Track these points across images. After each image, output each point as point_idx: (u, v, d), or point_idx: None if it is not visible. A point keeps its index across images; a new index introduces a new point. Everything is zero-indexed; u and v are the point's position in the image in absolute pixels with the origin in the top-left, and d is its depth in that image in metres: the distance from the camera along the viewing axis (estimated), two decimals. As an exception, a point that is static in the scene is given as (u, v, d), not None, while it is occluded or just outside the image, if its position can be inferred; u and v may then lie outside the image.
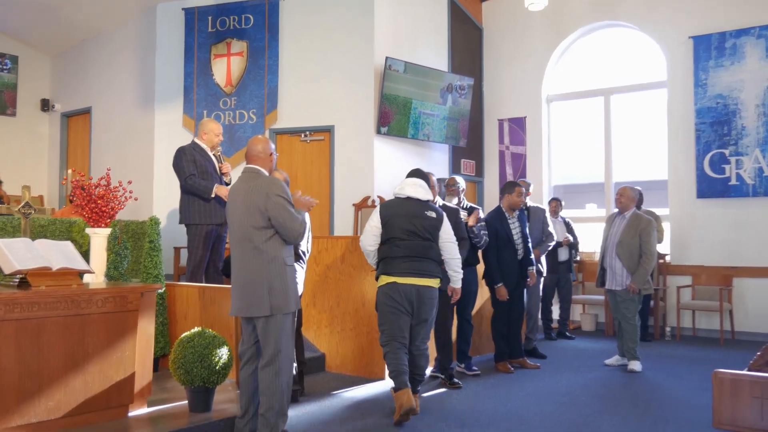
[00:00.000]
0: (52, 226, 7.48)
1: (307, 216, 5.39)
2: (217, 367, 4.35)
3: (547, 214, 7.72)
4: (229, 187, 5.81)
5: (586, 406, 5.16)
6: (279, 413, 4.04)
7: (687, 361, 7.07)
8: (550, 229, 7.57)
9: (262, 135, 4.44)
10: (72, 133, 11.18)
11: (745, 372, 3.69)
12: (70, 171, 10.89)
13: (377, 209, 5.06)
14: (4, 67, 11.00)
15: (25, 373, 3.83)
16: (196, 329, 4.48)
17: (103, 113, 10.37)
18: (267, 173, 4.24)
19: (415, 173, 5.27)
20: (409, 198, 5.03)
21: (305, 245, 5.26)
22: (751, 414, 3.59)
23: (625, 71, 10.10)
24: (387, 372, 6.12)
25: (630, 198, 6.68)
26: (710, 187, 8.97)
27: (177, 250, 8.62)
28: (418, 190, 5.07)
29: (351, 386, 5.86)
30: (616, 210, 6.86)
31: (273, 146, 4.34)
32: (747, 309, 8.65)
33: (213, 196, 6.23)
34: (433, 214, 5.03)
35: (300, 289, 5.18)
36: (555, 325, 8.97)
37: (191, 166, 6.28)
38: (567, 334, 8.76)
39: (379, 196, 8.80)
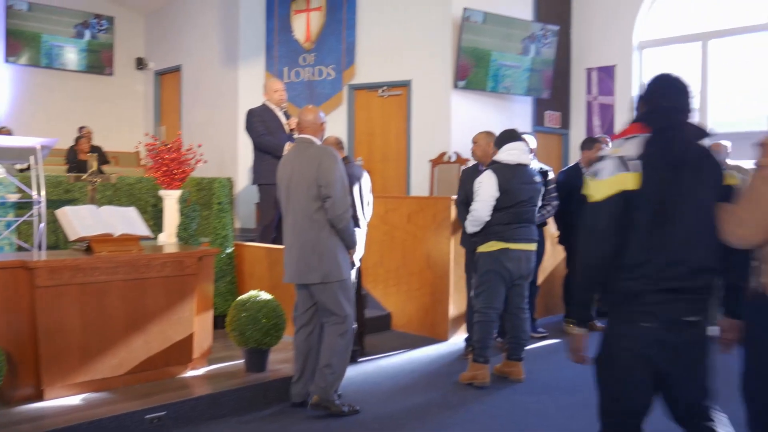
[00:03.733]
0: (139, 184, 7.86)
1: (367, 177, 5.42)
2: (270, 330, 4.51)
3: None
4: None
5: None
6: (337, 373, 4.17)
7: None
8: None
9: (312, 105, 4.49)
10: (165, 90, 11.61)
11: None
12: (163, 128, 11.38)
13: (491, 178, 4.82)
14: (101, 27, 11.49)
15: (89, 333, 4.12)
16: (251, 292, 4.64)
17: (192, 71, 10.68)
18: (319, 142, 4.30)
19: (515, 135, 5.03)
20: (519, 164, 4.90)
21: (364, 209, 5.29)
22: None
23: (726, 13, 9.36)
24: (449, 332, 6.18)
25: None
26: (815, 140, 8.29)
27: (258, 206, 8.87)
28: (526, 154, 4.97)
29: (413, 347, 5.93)
30: None
31: (323, 115, 4.38)
32: None
33: (286, 153, 6.35)
34: (539, 178, 5.07)
35: (360, 253, 5.27)
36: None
37: (261, 125, 6.45)
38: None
39: (456, 152, 8.69)
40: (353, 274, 5.20)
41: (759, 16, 9.00)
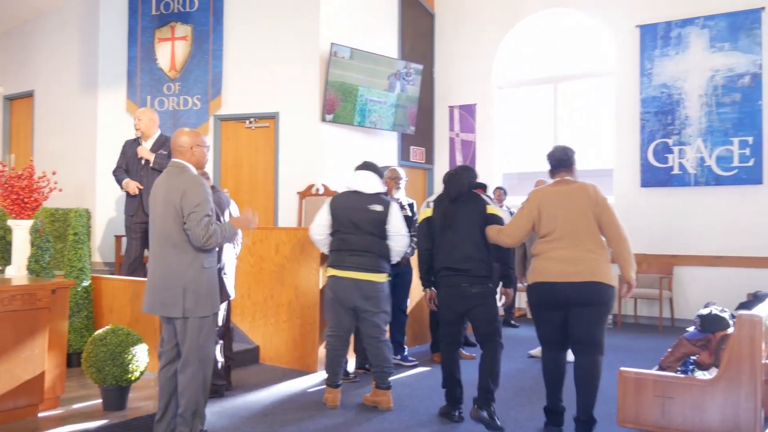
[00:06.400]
0: (-16, 215, 7.29)
1: (235, 206, 5.34)
2: (131, 366, 4.29)
3: None
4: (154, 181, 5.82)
5: (500, 401, 5.11)
6: (195, 414, 3.96)
7: (623, 351, 7.15)
8: None
9: (188, 128, 4.27)
10: (15, 116, 10.91)
11: (648, 371, 3.74)
12: (12, 156, 10.68)
13: (328, 201, 5.07)
14: (-58, 48, 10.68)
15: (-77, 375, 3.75)
16: (110, 327, 4.40)
17: (46, 97, 10.12)
18: (192, 168, 4.07)
19: (364, 165, 5.19)
20: (356, 191, 5.02)
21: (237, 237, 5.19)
22: (653, 412, 3.64)
23: (574, 59, 10.12)
24: (318, 363, 6.13)
25: None
26: (654, 176, 9.05)
27: (118, 239, 8.48)
28: (367, 182, 5.03)
29: (282, 380, 5.82)
30: None
31: (202, 138, 4.13)
32: (687, 297, 8.78)
33: (123, 190, 6.62)
34: (379, 207, 4.96)
35: (231, 283, 5.18)
36: (501, 313, 8.99)
37: (122, 158, 6.71)
38: (512, 322, 8.82)
39: (323, 185, 8.74)
40: (222, 307, 5.08)
41: (604, 63, 9.77)
